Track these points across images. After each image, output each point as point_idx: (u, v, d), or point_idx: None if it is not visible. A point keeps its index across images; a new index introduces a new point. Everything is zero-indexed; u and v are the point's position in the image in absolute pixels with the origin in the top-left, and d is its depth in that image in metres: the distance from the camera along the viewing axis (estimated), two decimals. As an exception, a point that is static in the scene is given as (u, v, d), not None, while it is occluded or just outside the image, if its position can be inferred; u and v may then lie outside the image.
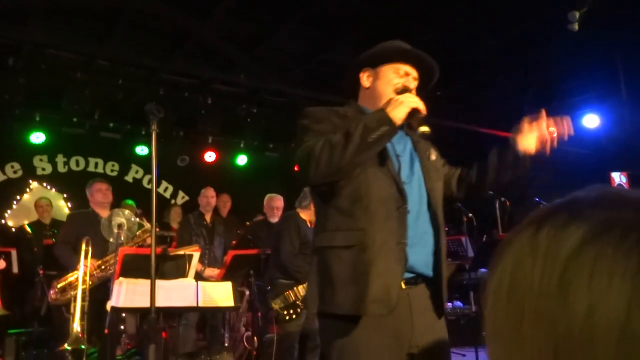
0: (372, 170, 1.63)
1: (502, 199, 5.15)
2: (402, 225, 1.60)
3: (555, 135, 1.70)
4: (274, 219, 5.09)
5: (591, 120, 6.83)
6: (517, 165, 1.76)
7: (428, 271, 1.65)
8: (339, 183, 1.61)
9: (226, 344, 4.69)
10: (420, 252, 1.64)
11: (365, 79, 1.84)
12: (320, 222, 1.69)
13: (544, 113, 1.73)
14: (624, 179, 6.91)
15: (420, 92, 1.82)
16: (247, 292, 4.78)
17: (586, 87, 6.65)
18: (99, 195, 4.49)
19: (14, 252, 5.17)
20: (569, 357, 0.41)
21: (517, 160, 1.74)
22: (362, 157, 1.57)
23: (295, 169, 1.70)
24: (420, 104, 1.63)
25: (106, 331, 3.83)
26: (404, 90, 1.75)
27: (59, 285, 4.15)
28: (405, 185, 1.66)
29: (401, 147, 1.75)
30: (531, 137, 1.72)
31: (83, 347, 3.20)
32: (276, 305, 3.87)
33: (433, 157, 1.83)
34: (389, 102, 1.64)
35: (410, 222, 1.62)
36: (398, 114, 1.59)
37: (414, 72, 1.81)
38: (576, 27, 4.32)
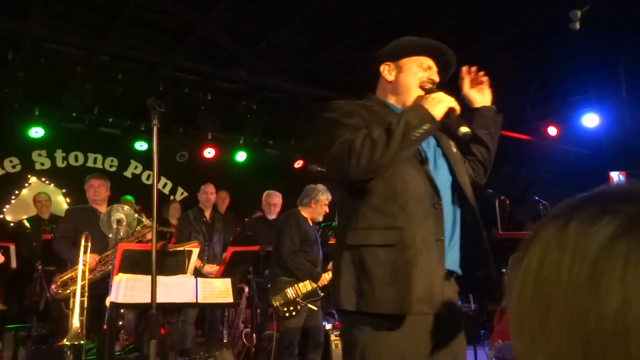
0: (406, 166, 1.62)
1: (502, 197, 5.15)
2: (439, 223, 1.61)
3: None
4: (272, 216, 5.08)
5: (591, 120, 6.82)
6: (479, 121, 1.88)
7: (457, 268, 1.65)
8: (371, 180, 1.60)
9: (225, 341, 4.69)
10: (452, 249, 1.64)
11: (387, 72, 1.83)
12: (350, 219, 1.64)
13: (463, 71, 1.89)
14: (622, 179, 6.92)
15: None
16: (246, 289, 4.78)
17: (587, 86, 6.64)
18: (91, 192, 4.47)
19: (12, 247, 5.16)
20: (600, 351, 0.40)
21: (476, 116, 1.89)
22: (403, 154, 1.57)
23: (331, 166, 1.65)
24: (456, 103, 1.66)
25: (105, 327, 3.82)
26: (431, 84, 1.77)
27: (61, 280, 4.14)
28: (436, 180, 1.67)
29: (425, 143, 1.75)
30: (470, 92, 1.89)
31: (82, 342, 3.19)
32: (276, 302, 3.87)
33: (454, 149, 1.84)
34: (425, 99, 1.64)
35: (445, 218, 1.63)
36: (437, 112, 1.61)
37: (434, 66, 1.82)
38: (577, 25, 4.30)
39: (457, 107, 1.66)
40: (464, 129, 1.66)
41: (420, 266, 1.51)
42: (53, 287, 4.12)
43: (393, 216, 1.56)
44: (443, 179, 1.71)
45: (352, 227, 1.62)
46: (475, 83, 1.87)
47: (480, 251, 1.69)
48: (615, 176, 6.82)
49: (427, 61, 1.81)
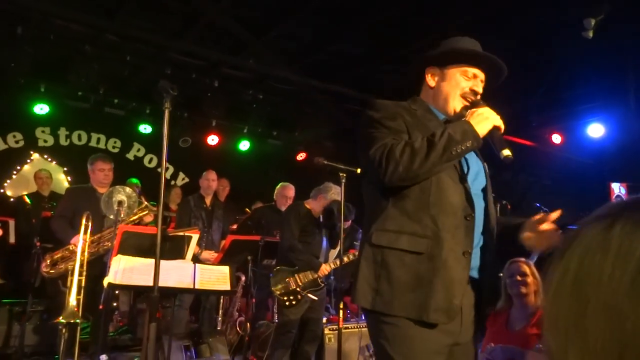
0: (443, 176, 1.61)
1: (504, 202, 5.15)
2: (468, 235, 1.61)
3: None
4: (284, 207, 5.09)
5: (596, 130, 6.81)
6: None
7: (476, 274, 1.66)
8: (407, 186, 1.60)
9: (218, 328, 4.71)
10: (476, 257, 1.65)
11: (430, 78, 1.81)
12: (377, 219, 1.64)
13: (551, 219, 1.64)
14: (623, 190, 6.91)
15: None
16: (243, 278, 4.79)
17: (594, 96, 6.62)
18: (101, 175, 4.47)
19: (11, 222, 5.17)
20: (636, 356, 0.40)
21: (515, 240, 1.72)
22: (442, 167, 1.57)
23: (365, 168, 1.62)
24: (501, 122, 1.64)
25: (101, 307, 3.84)
26: (474, 95, 1.74)
27: (51, 259, 4.14)
28: (472, 192, 1.66)
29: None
30: (534, 239, 1.67)
31: (78, 321, 3.20)
32: (277, 291, 3.89)
33: (486, 164, 1.84)
34: (471, 113, 1.64)
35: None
36: (482, 129, 1.60)
37: (481, 75, 1.79)
38: (591, 34, 4.29)
39: (502, 126, 1.65)
40: (506, 152, 1.63)
41: (443, 277, 1.54)
42: (43, 265, 4.12)
43: (424, 225, 1.57)
44: (478, 189, 1.72)
45: (379, 227, 1.62)
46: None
47: (491, 260, 1.71)
48: (616, 187, 6.83)
49: (473, 70, 1.77)
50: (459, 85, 1.75)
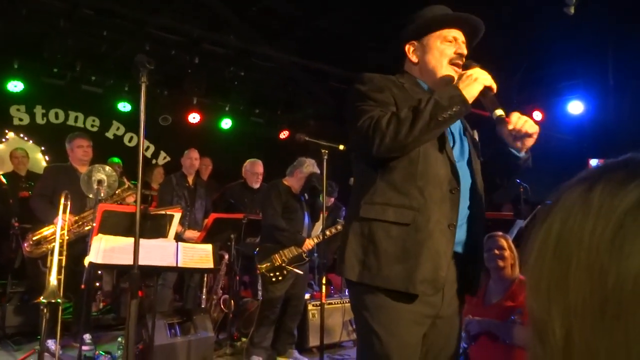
0: (430, 148, 1.60)
1: (524, 184, 5.26)
2: (454, 207, 1.61)
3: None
4: (256, 185, 5.09)
5: (576, 107, 6.89)
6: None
7: (460, 248, 1.66)
8: (394, 158, 1.58)
9: (202, 306, 4.72)
10: (461, 232, 1.65)
11: (411, 53, 1.77)
12: (365, 192, 1.63)
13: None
14: (601, 167, 7.04)
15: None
16: (226, 256, 4.79)
17: (574, 73, 6.68)
18: (80, 152, 4.41)
19: (-13, 203, 5.07)
20: (618, 308, 0.42)
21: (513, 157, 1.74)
22: (430, 135, 1.55)
23: (357, 142, 1.58)
24: (492, 81, 1.60)
25: (83, 286, 3.81)
26: (459, 58, 1.69)
27: (33, 238, 4.10)
28: (457, 165, 1.65)
29: (453, 125, 1.70)
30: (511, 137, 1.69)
31: (59, 301, 3.18)
32: (263, 268, 3.91)
33: (475, 136, 1.82)
34: (460, 76, 1.60)
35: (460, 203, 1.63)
36: (471, 92, 1.56)
37: (461, 35, 1.74)
38: (572, 10, 4.30)
39: (494, 85, 1.61)
40: (499, 112, 1.60)
41: (430, 249, 1.55)
42: (25, 245, 4.08)
43: (410, 196, 1.57)
44: (465, 164, 1.71)
45: (367, 200, 1.61)
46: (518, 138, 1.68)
47: (477, 234, 1.71)
48: (594, 164, 6.95)
49: (452, 32, 1.72)
50: (444, 53, 1.71)
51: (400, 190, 1.58)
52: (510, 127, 1.62)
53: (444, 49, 1.72)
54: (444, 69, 1.72)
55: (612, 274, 0.43)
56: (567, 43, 5.94)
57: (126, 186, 4.35)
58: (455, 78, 1.68)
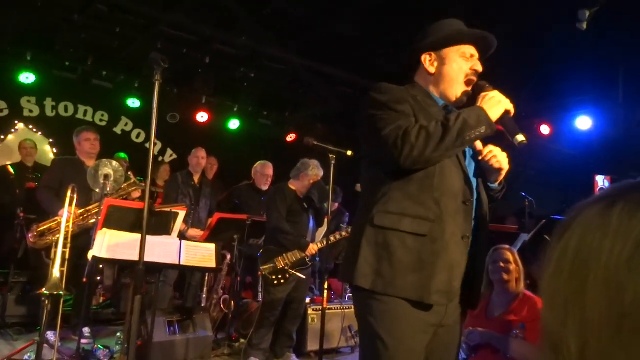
0: (446, 161, 1.63)
1: (529, 198, 5.28)
2: (467, 219, 1.65)
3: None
4: (265, 187, 5.09)
5: (584, 122, 6.87)
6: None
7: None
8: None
9: (203, 305, 4.73)
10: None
11: (428, 63, 1.78)
12: (379, 201, 1.63)
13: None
14: (607, 183, 7.02)
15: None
16: (228, 256, 4.80)
17: (584, 88, 6.67)
18: (87, 145, 4.43)
19: (-6, 192, 5.10)
20: (635, 324, 0.44)
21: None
22: (453, 152, 1.59)
23: (378, 150, 1.62)
24: (511, 105, 1.64)
25: (84, 280, 3.83)
26: (475, 75, 1.74)
27: (38, 230, 4.12)
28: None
29: None
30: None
31: (61, 293, 3.19)
32: (265, 270, 3.91)
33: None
34: (482, 98, 1.64)
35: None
36: (495, 114, 1.61)
37: (476, 52, 1.78)
38: (584, 26, 4.29)
39: (512, 110, 1.64)
40: (520, 138, 1.63)
41: (445, 260, 1.57)
42: (30, 236, 4.10)
43: (427, 207, 1.59)
44: (472, 175, 1.74)
45: (381, 209, 1.62)
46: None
47: (482, 245, 1.73)
48: (601, 180, 6.93)
49: (470, 49, 1.76)
50: (461, 68, 1.75)
51: (416, 200, 1.59)
52: (480, 157, 1.72)
53: (462, 65, 1.75)
54: (459, 85, 1.75)
55: (629, 292, 0.44)
56: (577, 58, 5.93)
57: (132, 181, 4.36)
58: (465, 100, 1.74)
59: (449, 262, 1.57)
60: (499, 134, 1.69)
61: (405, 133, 1.55)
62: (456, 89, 1.75)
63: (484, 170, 1.78)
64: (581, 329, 0.46)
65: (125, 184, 4.31)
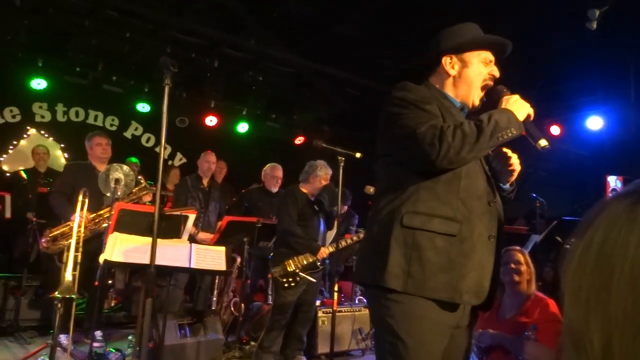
0: (471, 163, 1.64)
1: (540, 199, 5.25)
2: (492, 219, 1.66)
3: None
4: (274, 189, 5.11)
5: (595, 123, 6.81)
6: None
7: None
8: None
9: (213, 308, 4.74)
10: None
11: (449, 65, 1.79)
12: (405, 200, 1.61)
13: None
14: (619, 184, 6.94)
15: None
16: (238, 259, 4.81)
17: (595, 88, 6.61)
18: (99, 150, 4.47)
19: (7, 197, 5.16)
20: None
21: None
22: (485, 153, 1.62)
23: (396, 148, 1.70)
24: (531, 110, 1.67)
25: (96, 283, 3.86)
26: (492, 80, 1.77)
27: (51, 235, 4.15)
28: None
29: None
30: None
31: (73, 296, 3.22)
32: (276, 272, 3.92)
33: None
34: (506, 101, 1.66)
35: None
36: (521, 117, 1.64)
37: (493, 58, 1.81)
38: (594, 25, 4.26)
39: (532, 114, 1.66)
40: (543, 142, 1.64)
41: (474, 260, 1.58)
42: (43, 241, 4.14)
43: (454, 208, 1.60)
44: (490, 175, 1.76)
45: (410, 209, 1.60)
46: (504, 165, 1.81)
47: (499, 246, 1.73)
48: (613, 181, 6.86)
49: (489, 55, 1.79)
50: (481, 72, 1.77)
51: (443, 201, 1.60)
52: (511, 161, 1.75)
53: (482, 69, 1.77)
54: (477, 89, 1.78)
55: None
56: (588, 58, 5.89)
57: (142, 185, 4.40)
58: (477, 102, 1.78)
59: (478, 262, 1.59)
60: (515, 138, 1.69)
61: (442, 132, 1.55)
62: (474, 92, 1.77)
63: (496, 171, 1.80)
64: (605, 325, 0.46)
65: (136, 188, 4.34)
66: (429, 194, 1.60)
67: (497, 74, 1.78)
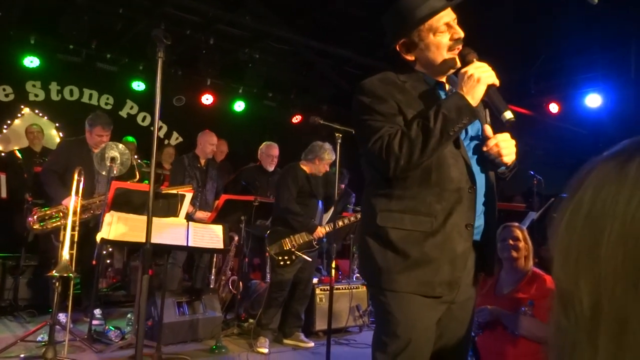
0: (443, 152, 1.59)
1: (538, 177, 5.26)
2: (470, 207, 1.62)
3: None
4: (271, 167, 5.08)
5: (594, 100, 6.77)
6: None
7: (478, 237, 1.67)
8: None
9: (212, 286, 4.76)
10: (479, 221, 1.67)
11: (405, 52, 1.67)
12: (381, 200, 1.63)
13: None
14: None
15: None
16: (236, 238, 4.82)
17: (594, 65, 6.55)
18: (97, 139, 4.37)
19: (2, 177, 5.12)
20: None
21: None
22: (442, 149, 1.56)
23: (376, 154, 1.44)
24: (495, 78, 1.56)
25: (94, 262, 3.86)
26: (458, 42, 1.61)
27: (38, 215, 4.10)
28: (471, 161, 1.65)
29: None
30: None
31: (71, 275, 3.22)
32: (272, 250, 3.93)
33: (489, 119, 1.76)
34: (461, 77, 1.57)
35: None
36: (476, 96, 1.55)
37: (450, 13, 1.63)
38: (596, 0, 4.19)
39: (497, 82, 1.56)
40: (508, 115, 1.54)
41: (448, 252, 1.57)
42: (29, 219, 4.10)
43: (427, 204, 1.58)
44: (474, 154, 1.68)
45: (384, 207, 1.61)
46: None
47: (492, 222, 1.73)
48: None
49: (442, 19, 1.60)
50: (440, 44, 1.62)
51: (416, 197, 1.58)
52: (485, 148, 1.64)
53: (440, 41, 1.61)
54: (444, 63, 1.64)
55: None
56: (587, 34, 5.81)
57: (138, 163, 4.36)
58: (458, 63, 1.63)
59: (452, 254, 1.57)
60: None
61: (388, 145, 1.53)
62: (442, 66, 1.65)
63: (487, 160, 1.69)
64: (594, 284, 0.45)
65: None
66: (401, 192, 1.60)
67: (460, 34, 1.62)
